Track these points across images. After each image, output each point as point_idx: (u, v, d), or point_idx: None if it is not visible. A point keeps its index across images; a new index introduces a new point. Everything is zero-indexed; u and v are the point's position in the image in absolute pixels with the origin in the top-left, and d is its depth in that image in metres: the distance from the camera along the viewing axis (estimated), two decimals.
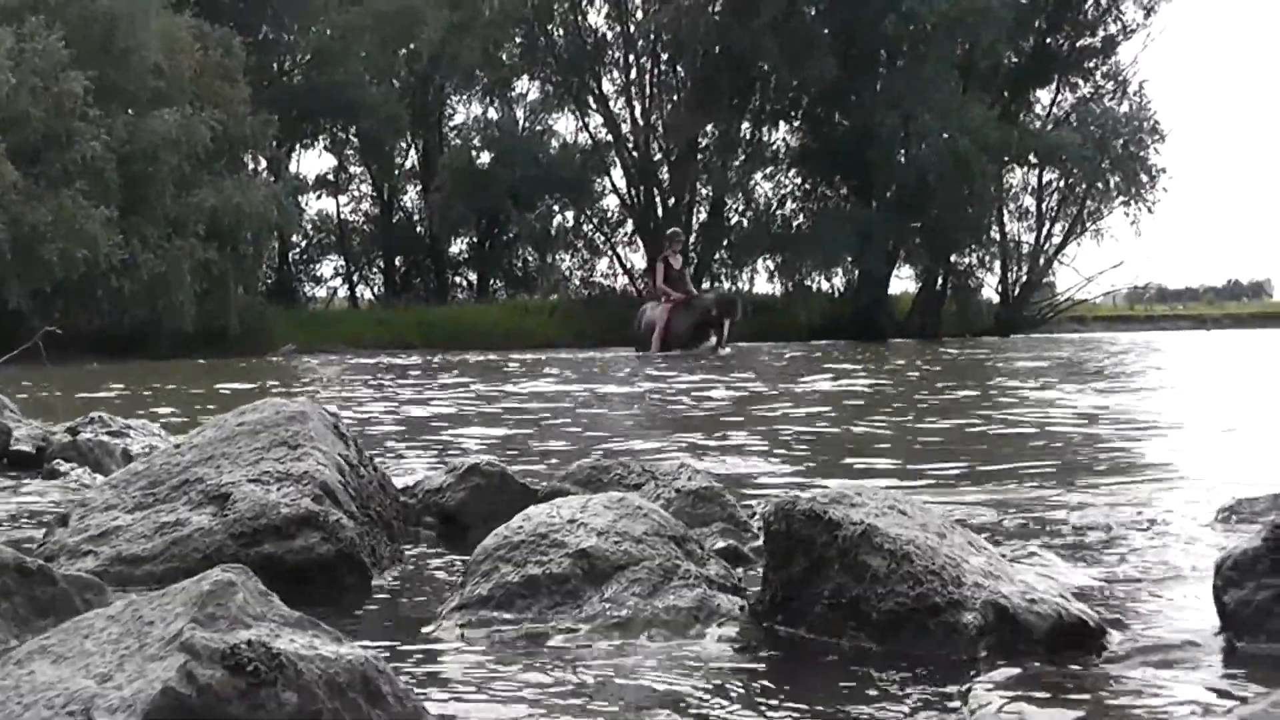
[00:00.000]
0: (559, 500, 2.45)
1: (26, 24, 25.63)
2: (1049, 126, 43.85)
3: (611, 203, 44.87)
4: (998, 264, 44.95)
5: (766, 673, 2.05)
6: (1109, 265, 53.61)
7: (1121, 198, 43.00)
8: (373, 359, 24.12)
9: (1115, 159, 42.07)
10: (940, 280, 43.89)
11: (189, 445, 2.93)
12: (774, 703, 1.92)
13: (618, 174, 43.91)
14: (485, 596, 2.20)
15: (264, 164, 36.93)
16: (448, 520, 3.34)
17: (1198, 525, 3.34)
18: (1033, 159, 43.26)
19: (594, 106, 43.65)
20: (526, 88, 44.81)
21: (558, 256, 45.39)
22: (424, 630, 2.26)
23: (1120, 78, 44.55)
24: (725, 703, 1.89)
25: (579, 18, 43.04)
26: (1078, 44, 44.19)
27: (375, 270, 46.07)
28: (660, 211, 42.56)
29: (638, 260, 44.07)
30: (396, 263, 45.28)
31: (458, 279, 46.09)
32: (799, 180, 44.55)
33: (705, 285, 25.31)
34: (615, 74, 43.84)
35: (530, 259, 45.62)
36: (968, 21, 38.14)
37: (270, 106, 33.64)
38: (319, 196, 45.06)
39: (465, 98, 45.43)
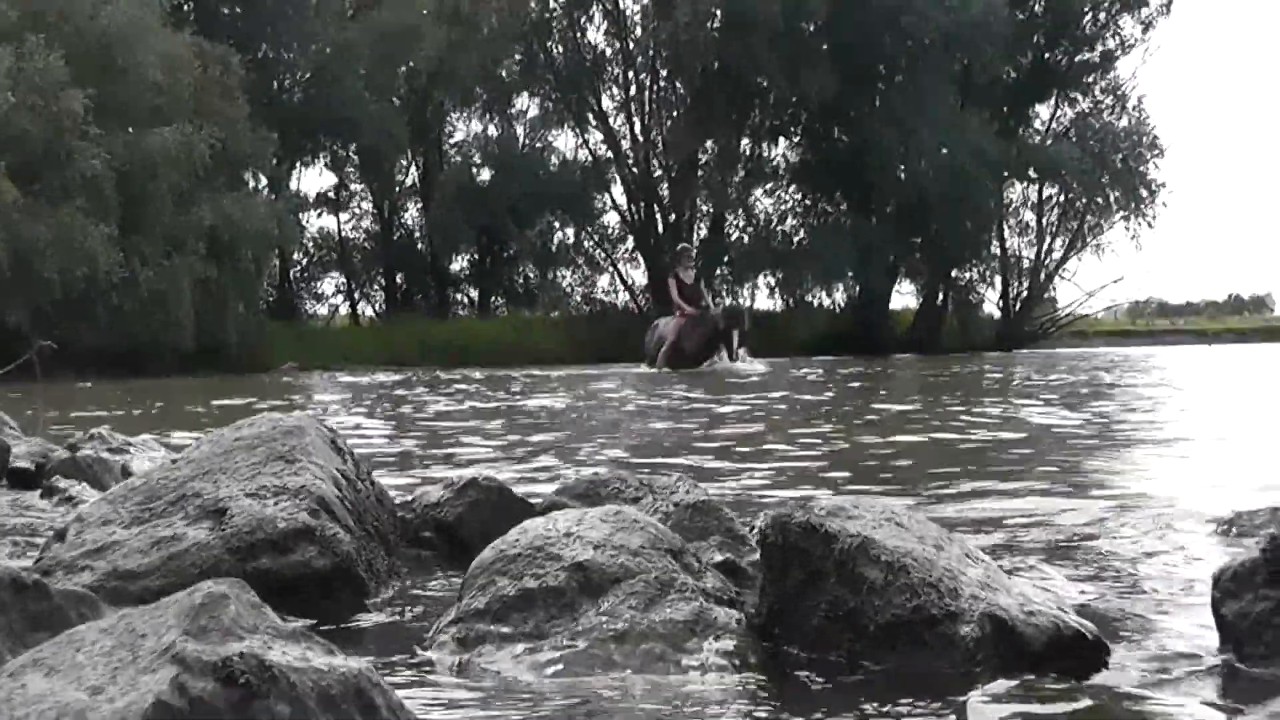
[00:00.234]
0: (555, 514, 2.45)
1: (26, 43, 25.66)
2: (1048, 141, 43.98)
3: (612, 219, 45.03)
4: (998, 279, 45.07)
5: (763, 685, 2.05)
6: (1109, 280, 53.68)
7: (1121, 212, 43.11)
8: (373, 375, 24.12)
9: (1115, 174, 42.17)
10: (941, 295, 43.96)
11: (186, 460, 2.93)
12: (770, 715, 1.91)
13: (618, 190, 44.08)
14: (481, 610, 2.19)
15: (264, 181, 36.95)
16: (445, 535, 3.33)
17: (1196, 538, 3.34)
18: (1032, 174, 43.37)
19: (594, 123, 43.77)
20: (526, 104, 44.98)
21: (558, 273, 45.48)
22: (419, 643, 2.25)
23: (1119, 92, 44.72)
24: (722, 715, 1.89)
25: (578, 34, 43.18)
26: (1076, 59, 44.31)
27: (376, 287, 46.07)
28: (660, 227, 42.65)
29: (639, 276, 44.18)
30: (397, 279, 45.28)
31: (458, 295, 46.10)
32: (799, 196, 44.65)
33: (706, 301, 25.21)
34: (615, 90, 44.00)
35: (531, 275, 45.66)
36: (966, 37, 38.25)
37: (270, 124, 33.66)
38: (319, 214, 45.09)
39: (465, 114, 45.51)
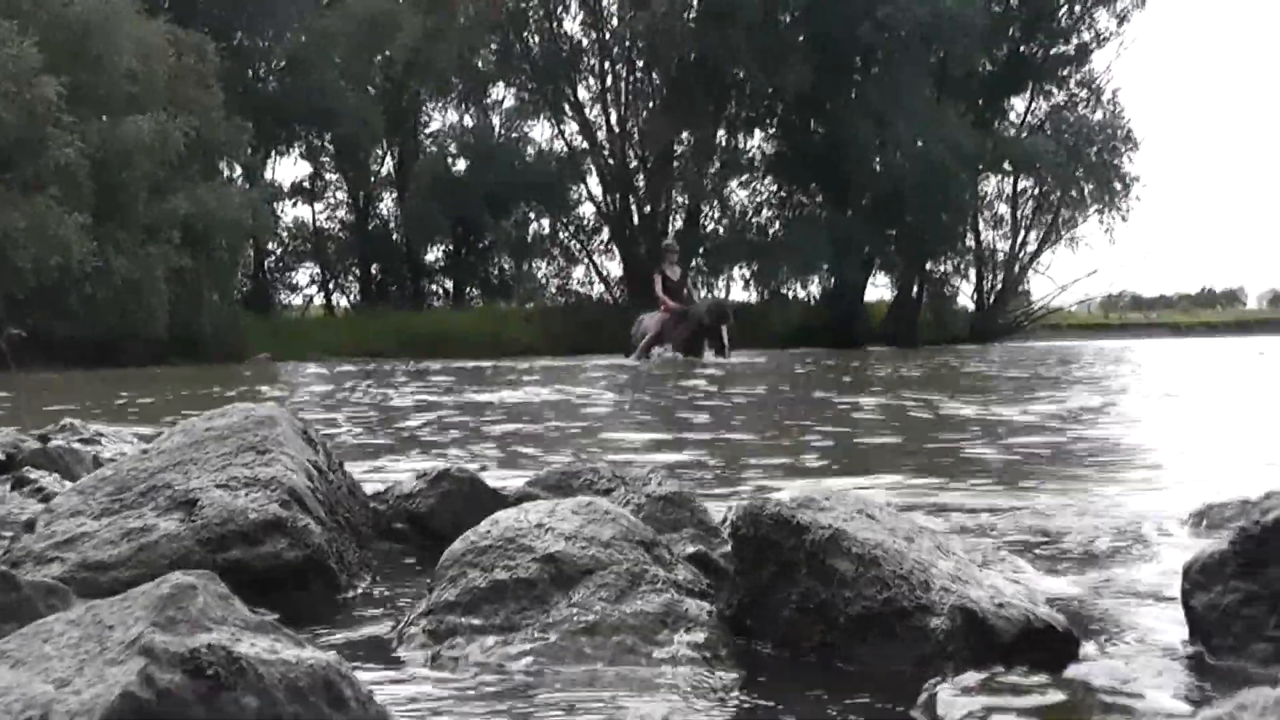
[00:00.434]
0: (527, 505, 2.44)
1: None
2: (1023, 134, 44.10)
3: (587, 210, 45.03)
4: (973, 271, 45.21)
5: (734, 677, 2.05)
6: (1083, 273, 53.95)
7: (1095, 206, 43.27)
8: (347, 366, 24.06)
9: (1089, 167, 42.32)
10: (916, 288, 44.05)
11: (157, 451, 2.92)
12: (741, 707, 1.91)
13: (594, 181, 44.07)
14: (452, 601, 2.19)
15: (239, 170, 36.83)
16: (418, 526, 3.32)
17: (1167, 530, 3.35)
18: (1007, 167, 43.49)
19: (570, 113, 43.75)
20: (502, 94, 44.94)
21: (534, 264, 45.46)
22: (390, 635, 2.25)
23: (1094, 86, 44.90)
24: (692, 707, 1.89)
25: (554, 24, 43.13)
26: (1051, 52, 44.44)
27: (351, 278, 45.97)
28: (636, 219, 42.66)
29: (614, 268, 44.18)
30: (372, 270, 45.19)
31: (434, 286, 46.04)
32: (774, 188, 44.70)
33: (690, 296, 25.24)
34: (591, 81, 43.99)
35: (506, 266, 45.63)
36: (942, 30, 38.30)
37: (245, 112, 33.54)
38: (295, 203, 44.98)
39: (441, 104, 45.46)
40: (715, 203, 44.54)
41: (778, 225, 44.08)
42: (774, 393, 12.44)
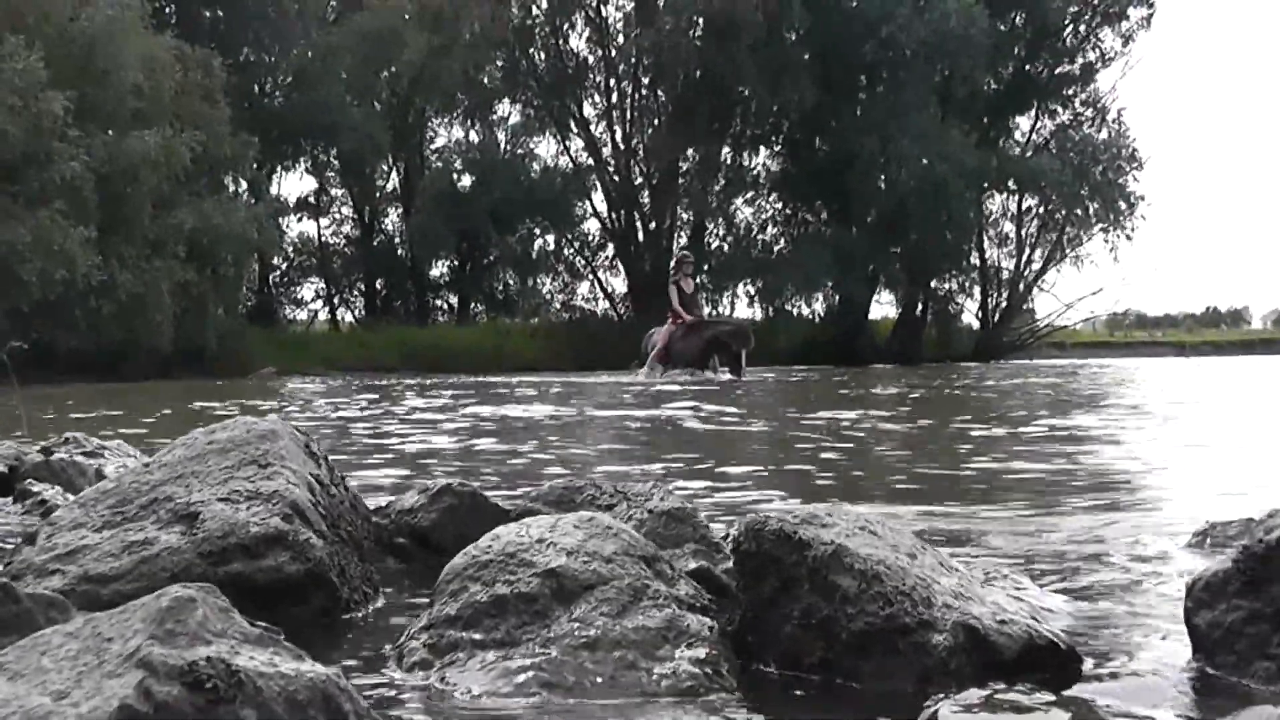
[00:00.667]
0: (528, 520, 2.44)
1: (5, 43, 25.56)
2: (1028, 153, 44.11)
3: (592, 226, 45.08)
4: (978, 289, 45.19)
5: (735, 693, 2.04)
6: (1088, 292, 53.89)
7: (1100, 224, 43.22)
8: (351, 381, 24.07)
9: (1094, 186, 42.30)
10: (920, 306, 44.05)
11: (158, 464, 2.91)
12: None
13: (598, 197, 44.16)
14: (453, 616, 2.18)
15: (245, 185, 36.87)
16: (419, 540, 3.32)
17: (1170, 548, 3.34)
18: (1012, 185, 43.48)
19: (575, 130, 43.80)
20: (507, 111, 45.01)
21: (538, 279, 45.47)
22: (390, 649, 2.24)
23: (1099, 105, 44.91)
24: None
25: (560, 41, 43.19)
26: (1056, 71, 44.47)
27: (356, 293, 46.01)
28: (641, 235, 42.70)
29: (618, 284, 44.21)
30: (377, 285, 45.22)
31: (438, 301, 46.07)
32: (779, 205, 44.75)
33: (700, 310, 25.18)
34: (596, 98, 44.05)
35: (511, 282, 45.64)
36: (947, 48, 38.34)
37: (251, 128, 33.60)
38: (300, 218, 45.05)
39: (446, 120, 45.53)
40: (720, 219, 44.57)
41: (782, 242, 44.14)
42: (779, 411, 12.43)
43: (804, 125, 41.87)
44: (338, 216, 46.04)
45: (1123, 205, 42.76)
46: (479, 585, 2.22)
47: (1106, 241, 43.41)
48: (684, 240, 43.16)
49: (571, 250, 45.28)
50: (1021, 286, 45.19)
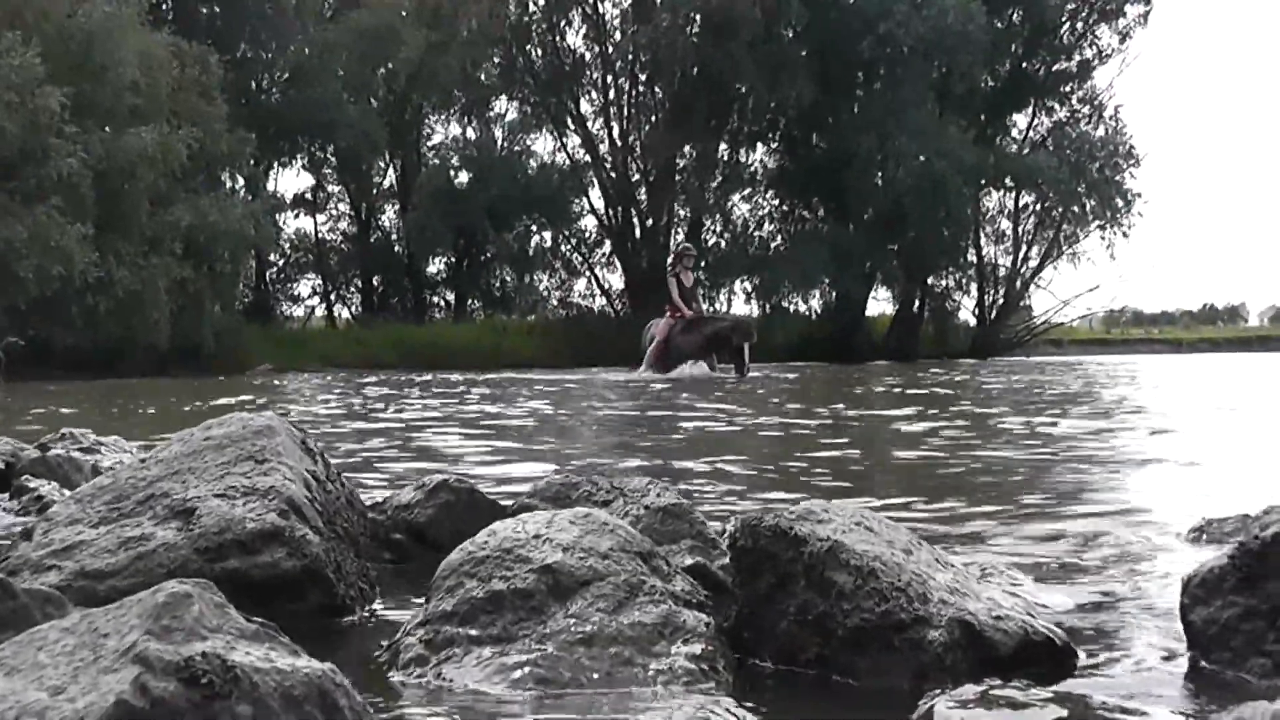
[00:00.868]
0: (525, 515, 2.44)
1: (3, 39, 25.56)
2: (1025, 150, 44.12)
3: (589, 223, 45.09)
4: (974, 286, 45.20)
5: (731, 689, 2.04)
6: (1085, 289, 53.94)
7: (1097, 221, 43.24)
8: (348, 378, 24.07)
9: (1091, 183, 42.32)
10: (917, 302, 44.07)
11: (155, 460, 2.91)
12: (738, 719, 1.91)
13: (595, 194, 44.13)
14: (449, 612, 2.18)
15: (241, 182, 36.86)
16: (416, 537, 3.32)
17: (1166, 544, 3.34)
18: (1009, 182, 43.50)
19: (572, 127, 43.78)
20: (504, 108, 45.00)
21: (535, 276, 45.46)
22: (386, 645, 2.24)
23: (1096, 102, 44.93)
24: None
25: (557, 38, 43.19)
26: (1054, 68, 44.49)
27: (353, 289, 46.02)
28: (638, 232, 42.70)
29: (615, 281, 44.20)
30: (374, 282, 45.22)
31: (435, 298, 46.07)
32: (776, 202, 44.74)
33: (697, 305, 25.07)
34: (593, 94, 44.01)
35: (508, 279, 45.64)
36: (944, 45, 38.35)
37: (248, 124, 33.59)
38: (297, 215, 45.07)
39: (443, 117, 45.55)
40: (717, 216, 44.57)
41: (779, 239, 44.13)
42: (776, 407, 12.42)
43: (801, 122, 41.88)
44: (334, 213, 46.10)
45: (1119, 202, 42.77)
46: (475, 581, 2.22)
47: (1103, 239, 43.48)
48: (681, 237, 43.08)
49: (569, 247, 45.30)
50: (1018, 284, 45.21)
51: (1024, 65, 44.33)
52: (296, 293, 45.83)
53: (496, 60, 42.63)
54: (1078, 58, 44.65)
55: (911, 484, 5.14)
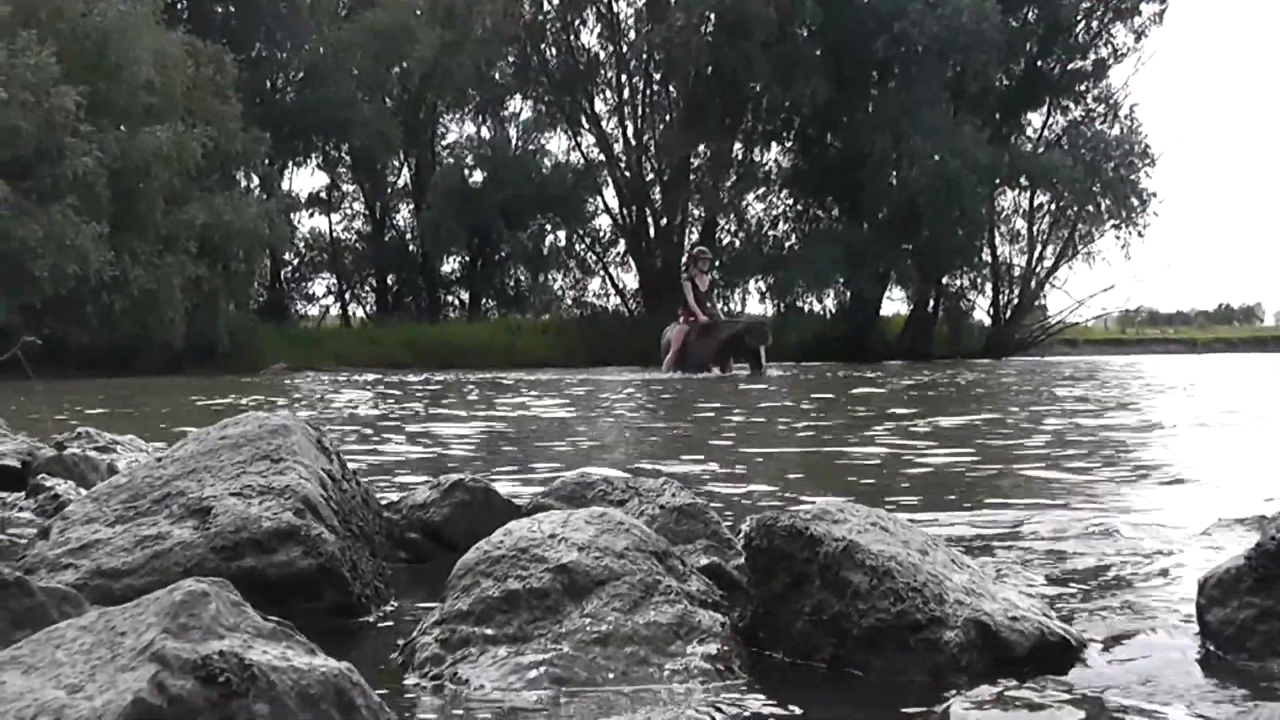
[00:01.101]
0: (540, 515, 2.44)
1: (18, 39, 25.62)
2: (1040, 149, 43.98)
3: (604, 222, 45.09)
4: (989, 286, 45.08)
5: (746, 689, 2.04)
6: (1100, 288, 53.79)
7: (1112, 221, 43.08)
8: (362, 377, 24.09)
9: (1106, 182, 42.17)
10: (932, 302, 43.99)
11: (171, 459, 2.92)
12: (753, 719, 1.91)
13: (610, 193, 44.11)
14: (465, 611, 2.18)
15: (256, 181, 36.94)
16: (431, 536, 3.33)
17: (1182, 544, 3.33)
18: (1024, 181, 43.36)
19: (586, 126, 43.78)
20: (519, 107, 45.02)
21: (550, 276, 45.49)
22: (402, 644, 2.25)
23: (1111, 101, 44.75)
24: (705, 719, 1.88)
25: (571, 37, 43.17)
26: (1069, 67, 44.34)
27: (367, 288, 46.10)
28: (652, 231, 42.69)
29: (630, 280, 44.20)
30: (388, 281, 45.29)
31: (449, 297, 46.11)
32: (790, 201, 44.69)
33: (712, 307, 24.98)
34: (608, 93, 44.01)
35: (522, 278, 45.67)
36: (959, 44, 38.26)
37: (263, 123, 33.67)
38: (311, 214, 45.16)
39: (458, 116, 45.59)
40: (731, 216, 44.54)
41: (794, 238, 44.07)
42: (792, 407, 12.41)
43: (816, 121, 41.83)
44: (349, 212, 46.19)
45: (1135, 202, 42.61)
46: (491, 581, 2.22)
47: (1118, 238, 43.31)
48: (695, 236, 43.06)
49: (583, 246, 45.32)
50: (1033, 283, 45.09)
51: (1039, 64, 44.19)
52: (311, 292, 45.98)
53: (511, 59, 42.64)
54: (1093, 56, 44.51)
55: (925, 483, 5.13)
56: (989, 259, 44.63)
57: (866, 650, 2.13)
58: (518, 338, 38.76)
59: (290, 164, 41.36)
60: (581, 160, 44.15)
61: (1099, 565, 3.10)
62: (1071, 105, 45.26)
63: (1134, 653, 2.23)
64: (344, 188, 45.57)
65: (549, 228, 44.48)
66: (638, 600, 2.19)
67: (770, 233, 44.61)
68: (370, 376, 24.11)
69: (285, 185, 41.40)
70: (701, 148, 42.77)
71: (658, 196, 43.13)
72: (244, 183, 35.79)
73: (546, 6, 42.92)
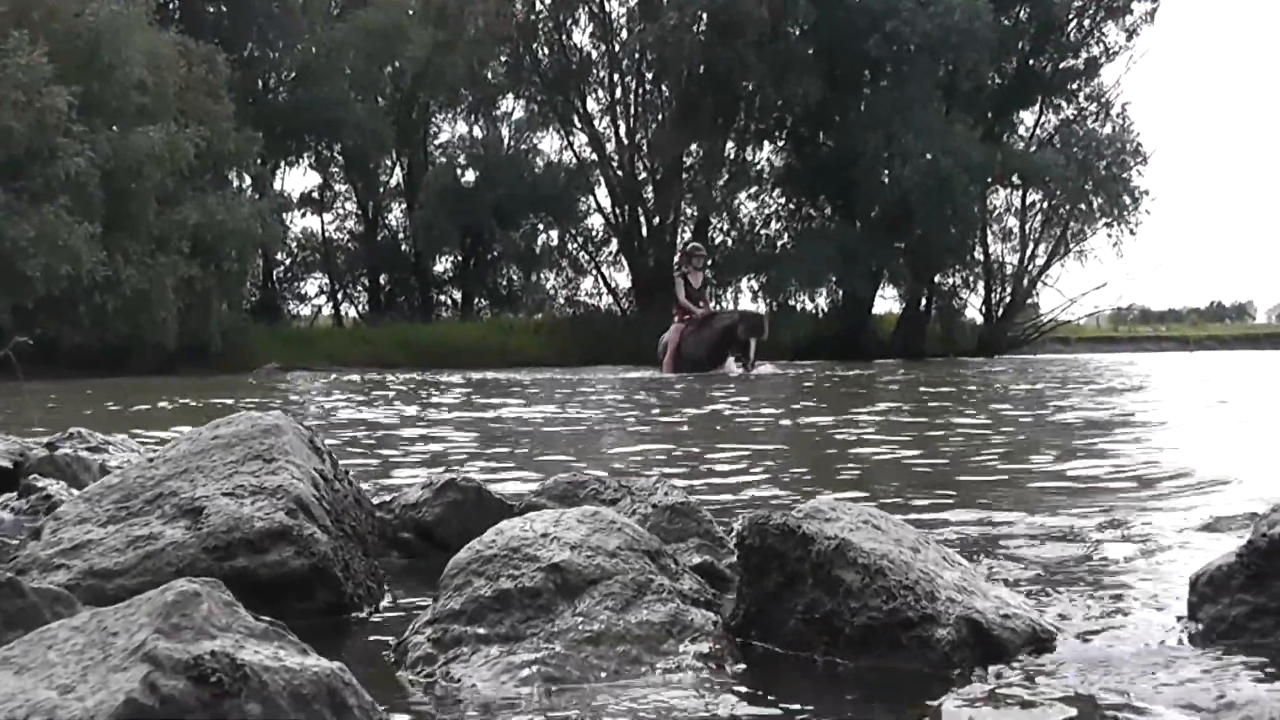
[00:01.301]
0: (532, 514, 2.44)
1: (10, 39, 25.56)
2: (1032, 148, 44.01)
3: (596, 221, 45.06)
4: (981, 284, 45.12)
5: (739, 688, 2.04)
6: (1092, 286, 53.80)
7: (1104, 219, 43.13)
8: (355, 377, 24.07)
9: (1098, 180, 42.20)
10: (924, 301, 44.02)
11: (163, 459, 2.92)
12: (746, 718, 1.91)
13: (602, 193, 44.07)
14: (457, 610, 2.18)
15: (249, 181, 36.86)
16: (424, 535, 3.33)
17: (1174, 541, 3.34)
18: (1016, 180, 43.39)
19: (579, 125, 43.76)
20: (511, 106, 44.98)
21: (542, 275, 45.47)
22: (395, 644, 2.25)
23: (1103, 99, 44.80)
24: (697, 718, 1.89)
25: (564, 36, 43.14)
26: (1060, 66, 44.38)
27: (360, 288, 46.00)
28: (645, 230, 42.68)
29: (622, 279, 44.19)
30: (381, 281, 45.21)
31: (442, 297, 46.04)
32: (783, 200, 44.70)
33: (706, 304, 24.88)
34: (600, 93, 43.97)
35: (515, 277, 45.63)
36: (951, 42, 38.27)
37: (255, 123, 33.58)
38: (304, 214, 45.02)
39: (450, 116, 45.51)
40: (724, 215, 44.52)
41: (786, 237, 44.06)
42: (784, 405, 12.42)
43: (808, 120, 41.83)
44: (341, 212, 46.07)
45: (1127, 200, 42.64)
46: (483, 580, 2.22)
47: (1110, 236, 43.33)
48: (688, 235, 43.00)
49: (575, 246, 45.29)
50: (1025, 281, 45.12)
51: (1031, 63, 44.22)
52: (303, 292, 45.84)
53: (503, 59, 42.61)
54: (1085, 55, 44.54)
55: (917, 481, 5.13)
56: (981, 257, 44.65)
57: (859, 648, 2.13)
58: (510, 337, 38.71)
59: (283, 164, 41.24)
60: (574, 160, 44.17)
61: (1090, 562, 3.11)
62: (1063, 104, 45.31)
63: (1126, 650, 2.24)
64: (336, 187, 45.49)
65: (541, 227, 44.46)
66: (630, 599, 2.19)
67: (763, 232, 44.63)
68: (362, 376, 24.09)
69: (278, 185, 41.26)
70: (694, 147, 42.76)
71: (650, 196, 43.11)
72: (236, 183, 35.69)
73: (539, 6, 42.92)
